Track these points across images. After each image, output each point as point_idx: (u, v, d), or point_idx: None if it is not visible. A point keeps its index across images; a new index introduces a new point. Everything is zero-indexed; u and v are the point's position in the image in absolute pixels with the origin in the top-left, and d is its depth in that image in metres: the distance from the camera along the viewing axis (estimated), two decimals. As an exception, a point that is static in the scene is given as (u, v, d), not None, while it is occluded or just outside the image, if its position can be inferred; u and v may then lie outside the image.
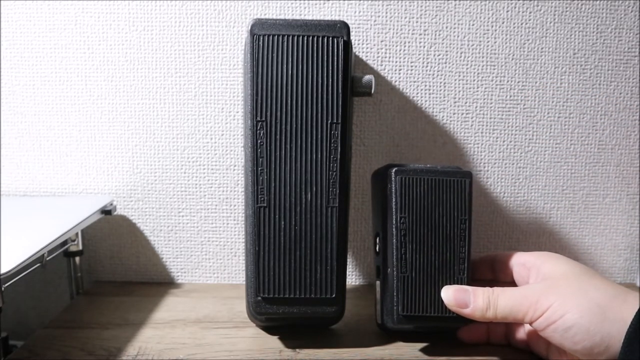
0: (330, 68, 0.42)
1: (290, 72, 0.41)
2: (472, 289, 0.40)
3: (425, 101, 0.56)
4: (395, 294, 0.42)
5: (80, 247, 0.56)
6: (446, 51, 0.56)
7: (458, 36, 0.55)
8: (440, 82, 0.56)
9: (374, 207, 0.47)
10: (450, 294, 0.41)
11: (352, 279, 0.60)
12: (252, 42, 0.41)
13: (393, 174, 0.42)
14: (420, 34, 0.55)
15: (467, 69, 0.56)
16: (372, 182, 0.48)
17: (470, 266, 0.43)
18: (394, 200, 0.42)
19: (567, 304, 0.36)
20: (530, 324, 0.38)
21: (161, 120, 0.56)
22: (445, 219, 0.42)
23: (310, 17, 0.54)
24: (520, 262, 0.44)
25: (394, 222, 0.42)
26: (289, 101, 0.41)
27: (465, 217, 0.42)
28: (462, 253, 0.42)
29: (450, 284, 0.42)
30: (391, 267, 0.42)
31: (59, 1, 0.54)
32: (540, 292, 0.38)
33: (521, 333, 0.44)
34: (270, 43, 0.41)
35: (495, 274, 0.46)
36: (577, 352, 0.36)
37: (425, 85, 0.56)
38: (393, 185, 0.42)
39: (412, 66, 0.56)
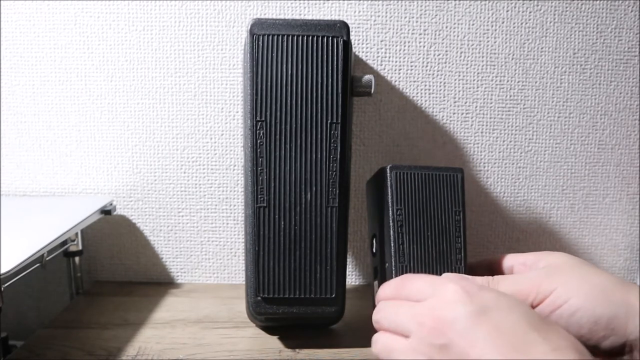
0: (330, 68, 0.42)
1: (290, 72, 0.41)
2: (471, 277, 0.40)
3: (425, 101, 0.56)
4: None
5: (80, 247, 0.56)
6: (446, 51, 0.56)
7: (458, 36, 0.55)
8: (440, 82, 0.56)
9: (370, 209, 0.48)
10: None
11: (352, 279, 0.60)
12: (251, 42, 0.41)
13: (388, 170, 0.43)
14: (420, 34, 0.55)
15: (467, 69, 0.56)
16: (367, 189, 0.50)
17: (467, 257, 0.43)
18: (390, 194, 0.43)
19: (571, 288, 0.36)
20: (533, 307, 0.38)
21: (161, 120, 0.56)
22: (440, 211, 0.43)
23: (310, 17, 0.54)
24: (520, 261, 0.44)
25: (391, 214, 0.42)
26: (289, 101, 0.41)
27: (459, 209, 0.43)
28: (459, 243, 0.43)
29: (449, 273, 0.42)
30: (389, 259, 0.42)
31: (59, 1, 0.54)
32: (543, 276, 0.37)
33: None
34: (270, 43, 0.41)
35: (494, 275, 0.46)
36: (582, 337, 0.35)
37: (425, 85, 0.56)
38: (389, 180, 0.43)
39: (412, 66, 0.56)
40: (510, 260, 0.44)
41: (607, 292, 0.35)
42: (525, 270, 0.43)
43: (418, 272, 0.42)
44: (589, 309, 0.35)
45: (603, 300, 0.35)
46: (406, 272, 0.42)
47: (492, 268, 0.46)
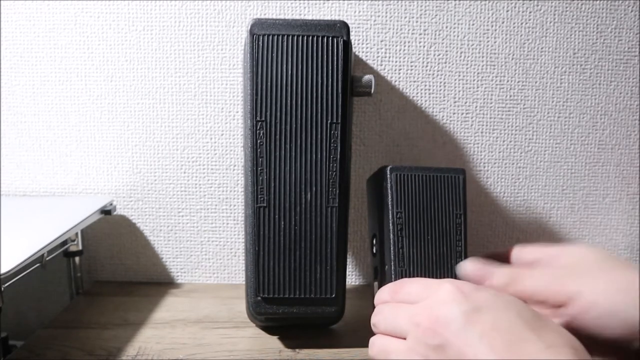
0: (330, 68, 0.42)
1: (290, 72, 0.41)
2: (494, 267, 0.39)
3: (425, 101, 0.56)
4: None
5: (80, 247, 0.56)
6: (446, 51, 0.56)
7: (458, 36, 0.55)
8: (440, 82, 0.56)
9: (370, 208, 0.48)
10: (468, 266, 0.39)
11: (352, 279, 0.60)
12: (251, 42, 0.41)
13: (388, 171, 0.43)
14: (420, 34, 0.55)
15: (467, 69, 0.56)
16: (367, 187, 0.49)
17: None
18: (389, 196, 0.42)
19: (598, 290, 0.35)
20: (557, 308, 0.37)
21: (161, 120, 0.56)
22: (441, 214, 0.43)
23: (310, 17, 0.54)
24: (542, 254, 0.41)
25: (391, 217, 0.42)
26: (289, 101, 0.41)
27: (460, 212, 0.43)
28: (459, 247, 0.43)
29: (449, 277, 0.41)
30: (389, 262, 0.42)
31: (59, 1, 0.54)
32: (569, 275, 0.36)
33: None
34: (270, 43, 0.41)
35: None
36: (607, 341, 0.35)
37: (425, 85, 0.56)
38: (389, 182, 0.43)
39: (412, 66, 0.56)
40: (527, 253, 0.43)
41: (632, 293, 0.34)
42: (546, 264, 0.41)
43: (418, 275, 0.42)
44: (614, 311, 0.34)
45: (631, 302, 0.34)
46: (406, 276, 0.42)
47: (503, 260, 0.44)
